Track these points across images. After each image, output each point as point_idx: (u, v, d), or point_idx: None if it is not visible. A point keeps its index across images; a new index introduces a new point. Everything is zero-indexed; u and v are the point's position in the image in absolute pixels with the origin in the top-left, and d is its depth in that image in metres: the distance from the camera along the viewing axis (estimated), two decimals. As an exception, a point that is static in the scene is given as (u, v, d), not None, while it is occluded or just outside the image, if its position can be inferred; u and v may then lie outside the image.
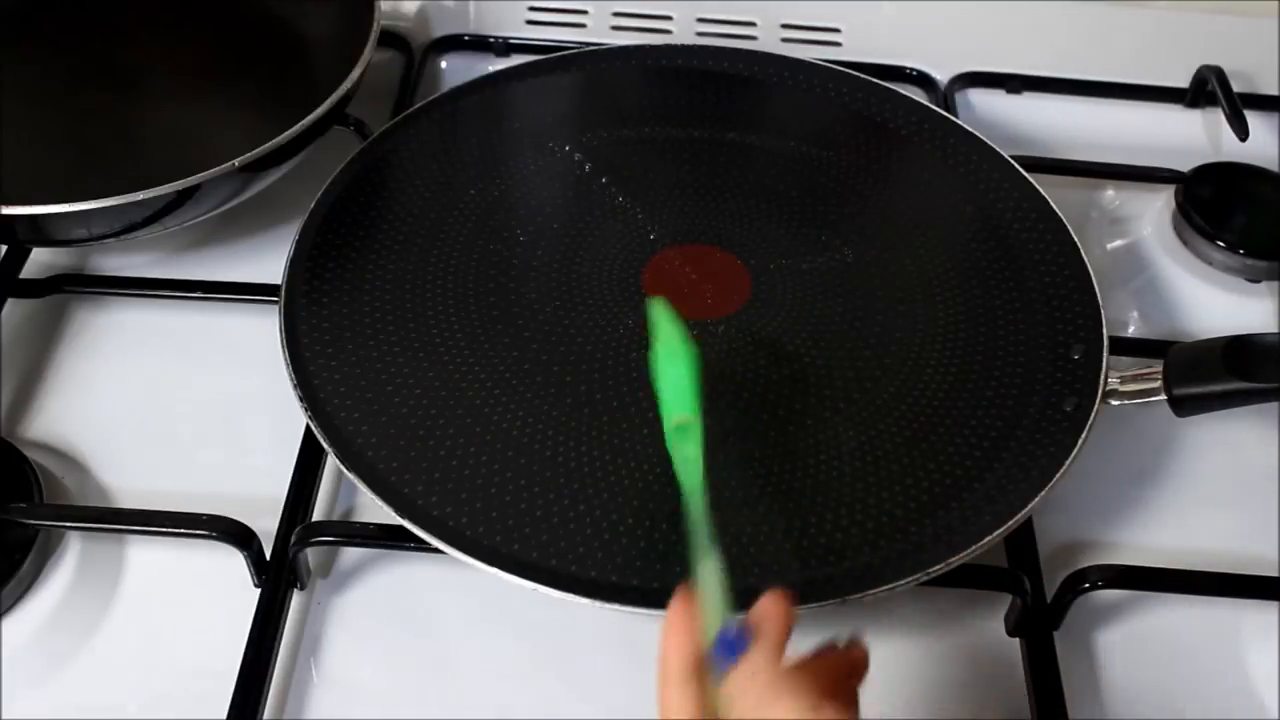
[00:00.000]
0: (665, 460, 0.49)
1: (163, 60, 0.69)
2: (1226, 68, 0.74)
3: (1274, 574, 0.51)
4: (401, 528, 0.46)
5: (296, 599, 0.50)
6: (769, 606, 0.38)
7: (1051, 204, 0.60)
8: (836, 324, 0.56)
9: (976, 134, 0.65)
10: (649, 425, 0.51)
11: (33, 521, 0.50)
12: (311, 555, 0.51)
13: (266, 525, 0.50)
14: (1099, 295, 0.56)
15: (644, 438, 0.50)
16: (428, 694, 0.48)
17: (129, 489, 0.54)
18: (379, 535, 0.50)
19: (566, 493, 0.48)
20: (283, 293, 0.55)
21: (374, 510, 0.48)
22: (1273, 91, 0.75)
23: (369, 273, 0.57)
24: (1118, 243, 0.68)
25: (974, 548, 0.46)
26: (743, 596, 0.45)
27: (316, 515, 0.53)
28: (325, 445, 0.49)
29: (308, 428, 0.51)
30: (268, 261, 0.61)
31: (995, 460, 0.50)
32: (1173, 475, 0.57)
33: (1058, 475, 0.48)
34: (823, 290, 0.58)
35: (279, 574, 0.49)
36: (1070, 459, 0.49)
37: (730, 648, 0.37)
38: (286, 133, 0.57)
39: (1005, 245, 0.59)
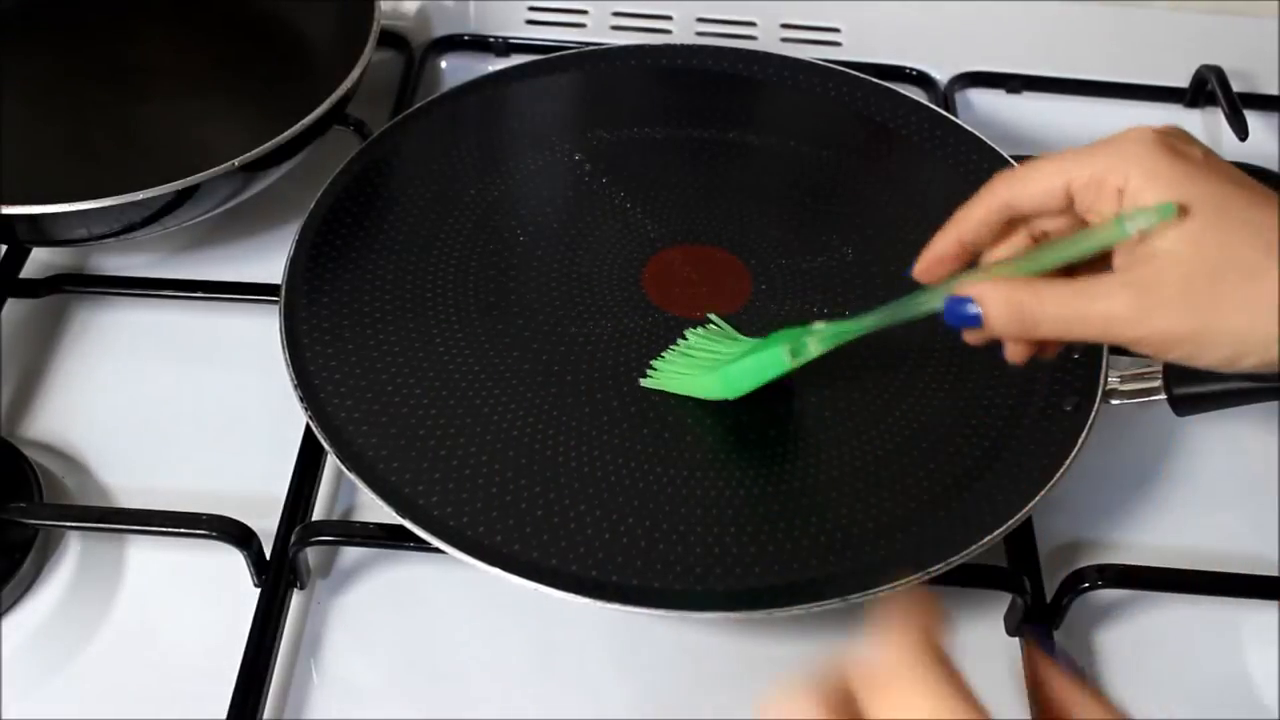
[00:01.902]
0: (666, 460, 0.50)
1: (163, 60, 0.69)
2: (1226, 68, 0.74)
3: (1274, 574, 0.51)
4: (402, 527, 0.46)
5: (296, 599, 0.50)
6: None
7: (1052, 204, 0.60)
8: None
9: (976, 134, 0.65)
10: (649, 425, 0.51)
11: (33, 521, 0.50)
12: (311, 555, 0.51)
13: (266, 525, 0.50)
14: (1099, 295, 0.56)
15: (644, 437, 0.50)
16: (428, 694, 0.48)
17: (129, 489, 0.54)
18: (379, 535, 0.50)
19: (567, 492, 0.48)
20: (283, 292, 0.55)
21: (374, 510, 0.48)
22: (1273, 91, 0.75)
23: (369, 272, 0.57)
24: (1118, 242, 0.68)
25: (974, 547, 0.46)
26: (743, 597, 0.45)
27: (316, 515, 0.53)
28: (325, 445, 0.49)
29: (308, 427, 0.51)
30: (268, 261, 0.61)
31: (995, 460, 0.50)
32: (1173, 475, 0.57)
33: (1058, 475, 0.48)
34: (823, 289, 0.58)
35: (279, 574, 0.49)
36: (1070, 459, 0.49)
37: (965, 316, 0.40)
38: (286, 133, 0.57)
39: (1005, 245, 0.59)
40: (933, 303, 0.43)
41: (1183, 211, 0.37)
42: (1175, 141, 0.38)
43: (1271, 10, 0.75)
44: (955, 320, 0.41)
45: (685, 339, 0.54)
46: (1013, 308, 0.39)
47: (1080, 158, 0.39)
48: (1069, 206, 0.40)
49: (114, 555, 0.52)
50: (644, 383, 0.52)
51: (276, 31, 0.71)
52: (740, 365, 0.50)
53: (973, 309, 0.40)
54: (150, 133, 0.65)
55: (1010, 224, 0.43)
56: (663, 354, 0.53)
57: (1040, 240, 0.43)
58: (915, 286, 0.44)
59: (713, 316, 0.54)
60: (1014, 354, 0.43)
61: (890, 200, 0.63)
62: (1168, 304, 0.37)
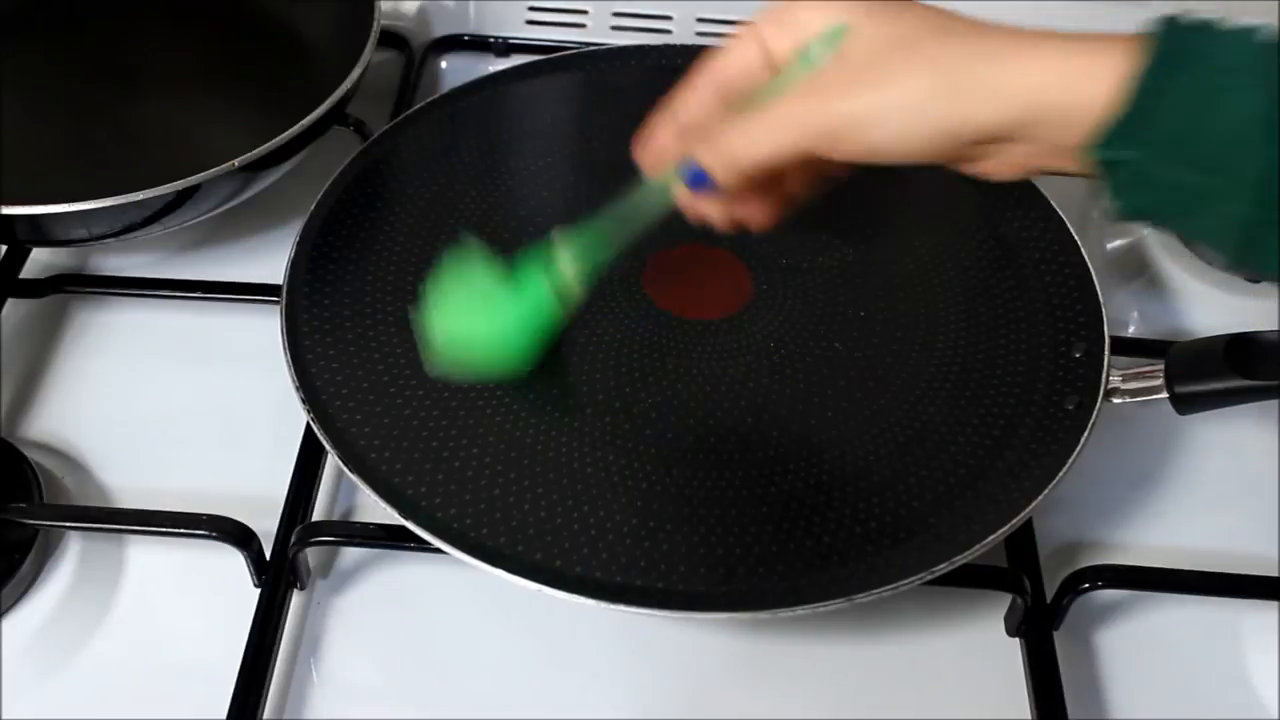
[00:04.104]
0: (669, 461, 0.49)
1: (163, 60, 0.69)
2: (1226, 68, 0.74)
3: (1274, 574, 0.51)
4: (402, 528, 0.46)
5: (296, 599, 0.50)
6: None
7: (1052, 203, 0.60)
8: (838, 323, 0.56)
9: (977, 134, 0.65)
10: (652, 426, 0.51)
11: (33, 521, 0.50)
12: (311, 555, 0.51)
13: (266, 525, 0.50)
14: (1100, 293, 0.56)
15: (647, 438, 0.50)
16: (428, 694, 0.48)
17: (129, 489, 0.54)
18: (379, 535, 0.50)
19: (570, 493, 0.48)
20: (284, 293, 0.55)
21: (374, 510, 0.48)
22: (1272, 91, 0.75)
23: (371, 273, 0.57)
24: (1118, 243, 0.68)
25: (977, 547, 0.46)
26: (747, 598, 0.45)
27: (316, 515, 0.53)
28: (328, 446, 0.49)
29: (308, 427, 0.51)
30: (268, 261, 0.61)
31: (997, 460, 0.50)
32: (1173, 476, 0.57)
33: (1060, 474, 0.48)
34: (824, 289, 0.58)
35: (279, 574, 0.49)
36: (1072, 458, 0.49)
37: (698, 179, 0.43)
38: (286, 133, 0.57)
39: (1006, 244, 0.59)
40: (668, 190, 0.46)
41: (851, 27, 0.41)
42: None
43: (1272, 10, 0.74)
44: (695, 185, 0.44)
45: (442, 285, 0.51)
46: (722, 148, 0.42)
47: (767, 19, 0.44)
48: (772, 64, 0.44)
49: (114, 555, 0.52)
50: (429, 362, 0.51)
51: (276, 31, 0.71)
52: (508, 335, 0.49)
53: (697, 168, 0.43)
54: (150, 133, 0.64)
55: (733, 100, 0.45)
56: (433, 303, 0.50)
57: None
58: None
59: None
60: (756, 215, 0.48)
61: (891, 199, 0.63)
62: (840, 89, 0.40)
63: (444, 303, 0.50)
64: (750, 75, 0.44)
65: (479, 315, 0.50)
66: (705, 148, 0.43)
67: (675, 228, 0.60)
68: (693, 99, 0.45)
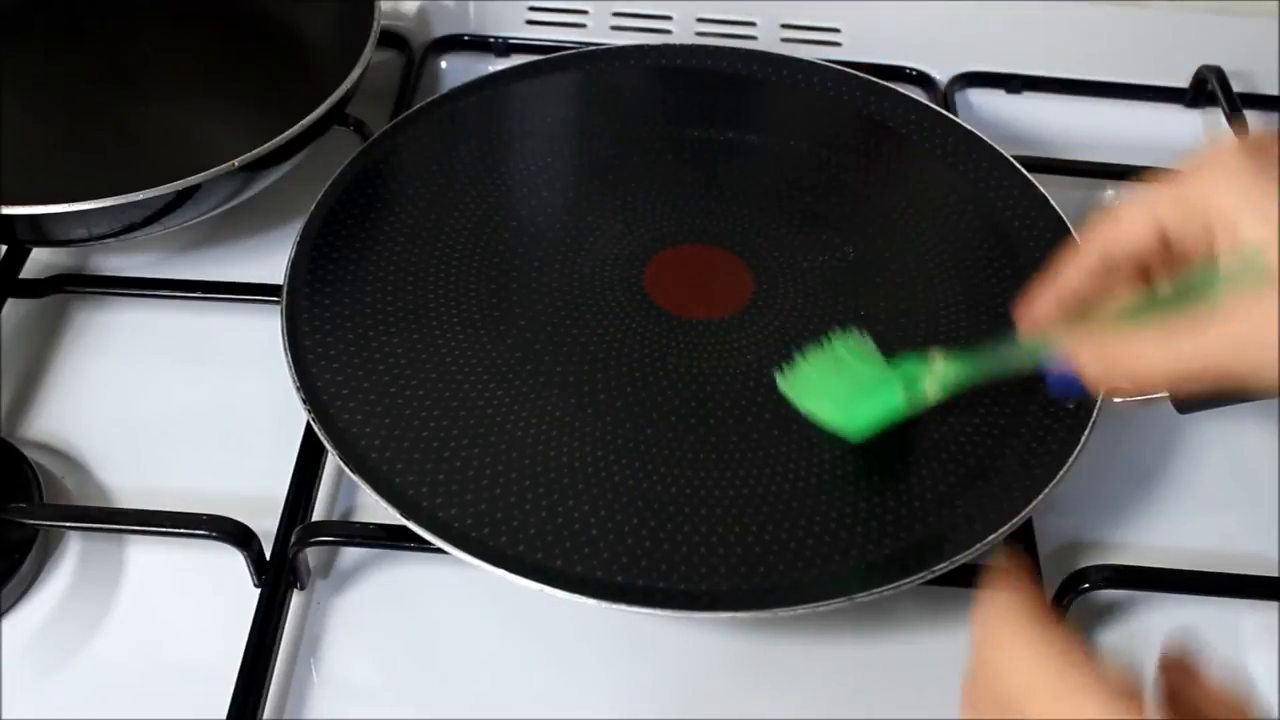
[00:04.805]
0: (670, 460, 0.49)
1: (163, 60, 0.69)
2: (1226, 68, 0.74)
3: (1274, 574, 0.51)
4: (403, 528, 0.46)
5: (296, 599, 0.50)
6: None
7: (1052, 203, 0.60)
8: (838, 323, 0.56)
9: (977, 133, 0.65)
10: (653, 425, 0.51)
11: (33, 521, 0.50)
12: (311, 555, 0.51)
13: (266, 525, 0.50)
14: (1100, 294, 0.56)
15: (648, 437, 0.50)
16: (428, 694, 0.48)
17: (129, 489, 0.54)
18: (380, 535, 0.50)
19: (571, 493, 0.48)
20: (285, 293, 0.55)
21: (375, 510, 0.48)
22: (1273, 91, 0.75)
23: (371, 273, 0.57)
24: (1118, 243, 0.68)
25: (977, 547, 0.46)
26: (748, 597, 0.45)
27: (316, 515, 0.52)
28: (328, 446, 0.49)
29: (308, 427, 0.51)
30: (268, 261, 0.61)
31: (997, 459, 0.50)
32: (1173, 475, 0.57)
33: (1060, 474, 0.48)
34: (825, 289, 0.58)
35: (279, 574, 0.49)
36: (1073, 458, 0.49)
37: (1068, 386, 0.42)
38: (286, 133, 0.57)
39: (1006, 244, 0.59)
40: (1039, 353, 0.45)
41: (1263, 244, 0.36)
42: (1262, 157, 0.37)
43: (1271, 10, 0.75)
44: (1061, 388, 0.45)
45: (830, 343, 0.52)
46: (1108, 360, 0.40)
47: (1167, 196, 0.39)
48: (1167, 244, 0.40)
49: (114, 555, 0.52)
50: (780, 384, 0.51)
51: (276, 31, 0.71)
52: (860, 403, 0.49)
53: (1068, 376, 0.42)
54: (150, 133, 0.64)
55: (1111, 271, 0.43)
56: (805, 352, 0.52)
57: (1148, 275, 0.43)
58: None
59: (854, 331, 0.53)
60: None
61: (890, 199, 0.63)
62: (1249, 335, 0.36)
63: (819, 361, 0.51)
64: (1144, 252, 0.41)
65: (840, 380, 0.50)
66: (1090, 354, 0.41)
67: (675, 228, 0.60)
68: (1076, 269, 0.43)
